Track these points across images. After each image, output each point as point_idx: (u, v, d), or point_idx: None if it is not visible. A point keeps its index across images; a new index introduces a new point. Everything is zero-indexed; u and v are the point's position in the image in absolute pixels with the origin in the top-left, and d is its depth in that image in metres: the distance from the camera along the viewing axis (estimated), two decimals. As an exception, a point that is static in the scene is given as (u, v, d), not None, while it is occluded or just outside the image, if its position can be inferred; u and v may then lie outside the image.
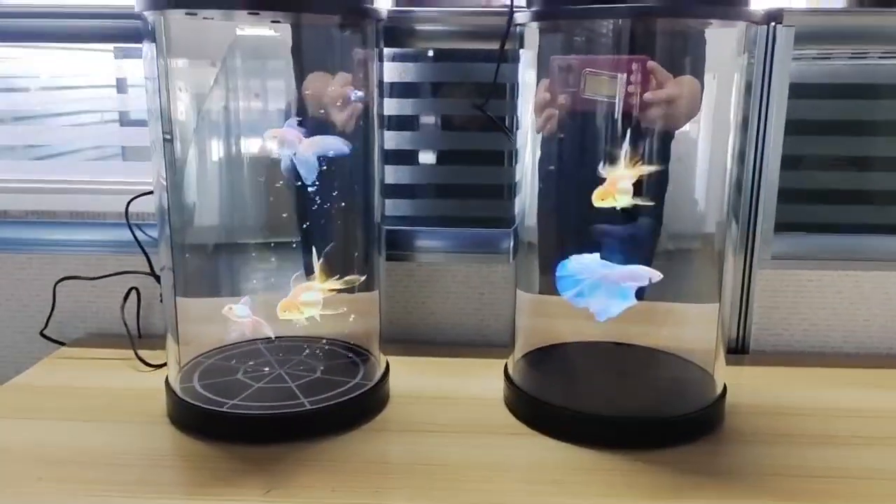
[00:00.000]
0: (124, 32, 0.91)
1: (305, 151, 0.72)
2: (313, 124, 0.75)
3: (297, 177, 0.76)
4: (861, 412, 0.78)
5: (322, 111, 0.76)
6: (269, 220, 0.83)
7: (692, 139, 0.75)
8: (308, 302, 0.72)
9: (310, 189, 0.80)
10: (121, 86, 1.11)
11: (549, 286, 0.73)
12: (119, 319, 0.95)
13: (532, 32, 0.73)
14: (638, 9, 0.62)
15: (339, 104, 0.75)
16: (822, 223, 0.95)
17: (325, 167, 0.75)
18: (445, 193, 0.99)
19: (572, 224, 0.79)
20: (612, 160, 0.68)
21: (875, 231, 0.94)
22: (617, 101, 0.68)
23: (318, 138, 0.73)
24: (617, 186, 0.68)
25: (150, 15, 0.68)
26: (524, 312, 0.82)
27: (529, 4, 0.69)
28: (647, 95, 0.68)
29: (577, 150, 0.76)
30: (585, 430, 0.70)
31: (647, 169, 0.69)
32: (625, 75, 0.68)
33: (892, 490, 0.64)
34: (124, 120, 1.18)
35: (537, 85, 0.74)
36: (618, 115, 0.69)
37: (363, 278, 0.77)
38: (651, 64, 0.68)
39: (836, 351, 0.96)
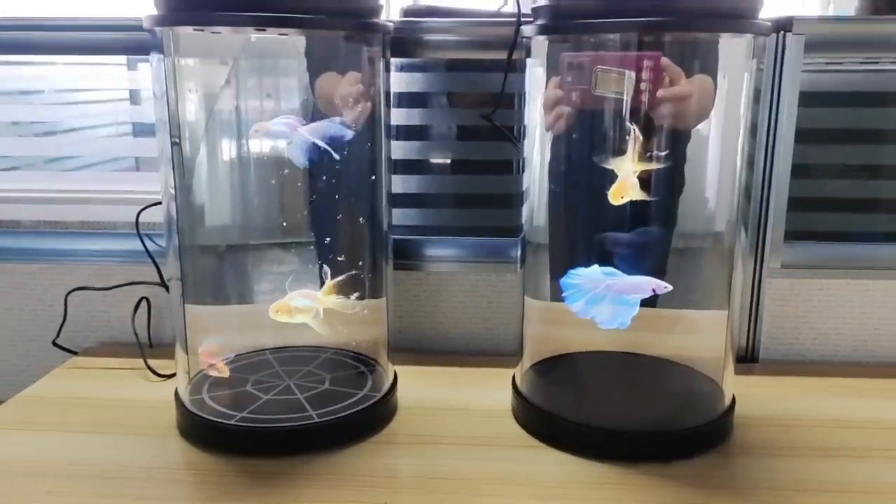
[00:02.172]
0: (139, 44, 0.92)
1: (304, 136, 0.71)
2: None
3: (308, 180, 0.77)
4: (872, 423, 0.78)
5: (333, 109, 0.76)
6: (279, 224, 0.84)
7: (700, 145, 0.75)
8: (301, 308, 0.72)
9: (317, 197, 0.80)
10: (134, 97, 1.12)
11: (558, 294, 0.73)
12: (130, 328, 0.95)
13: (539, 43, 0.73)
14: (645, 23, 0.62)
15: (350, 102, 0.75)
16: (833, 231, 0.95)
17: (331, 176, 0.76)
18: (454, 203, 0.99)
19: (583, 229, 0.79)
20: (620, 153, 0.68)
21: (886, 240, 0.94)
22: (625, 98, 0.67)
23: (317, 123, 0.72)
24: (630, 182, 0.67)
25: (158, 30, 0.69)
26: (532, 321, 0.82)
27: (536, 17, 0.69)
28: (660, 92, 0.67)
29: (587, 151, 0.75)
30: (593, 443, 0.70)
31: (656, 164, 0.68)
32: (635, 72, 0.67)
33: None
34: (137, 131, 1.19)
35: (546, 83, 0.73)
36: (626, 112, 0.68)
37: (364, 311, 0.78)
38: (664, 60, 0.67)
39: (846, 360, 0.95)
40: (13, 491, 0.64)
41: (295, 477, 0.66)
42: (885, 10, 1.48)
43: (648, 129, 0.69)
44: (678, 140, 0.73)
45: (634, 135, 0.66)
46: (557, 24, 0.66)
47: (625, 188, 0.66)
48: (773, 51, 0.85)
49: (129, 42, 0.93)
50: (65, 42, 0.96)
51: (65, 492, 0.64)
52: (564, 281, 0.72)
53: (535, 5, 0.69)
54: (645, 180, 0.67)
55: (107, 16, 0.94)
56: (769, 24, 0.66)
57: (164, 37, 0.69)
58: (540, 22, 0.68)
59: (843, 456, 0.71)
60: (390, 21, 0.73)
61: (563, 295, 0.72)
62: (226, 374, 0.78)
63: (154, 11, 0.66)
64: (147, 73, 1.03)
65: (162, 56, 0.70)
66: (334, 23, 0.66)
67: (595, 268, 0.71)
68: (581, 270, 0.72)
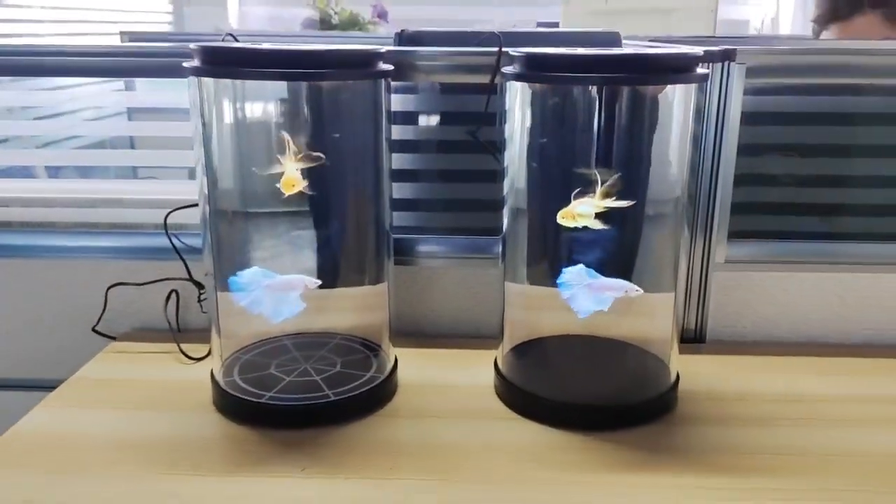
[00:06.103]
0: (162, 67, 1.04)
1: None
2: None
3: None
4: (801, 396, 0.91)
5: None
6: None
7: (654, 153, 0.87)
8: (582, 213, 0.79)
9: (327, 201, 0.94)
10: (130, 113, 1.26)
11: (534, 280, 0.89)
12: (159, 315, 1.08)
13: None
14: (609, 79, 0.77)
15: None
16: (769, 231, 1.08)
17: (342, 184, 0.89)
18: (445, 207, 1.13)
19: (551, 226, 0.91)
20: (584, 189, 0.81)
21: (814, 238, 1.08)
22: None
23: None
24: (576, 210, 0.80)
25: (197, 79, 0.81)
26: (511, 308, 0.94)
27: (511, 62, 0.82)
28: None
29: (557, 158, 0.88)
30: (560, 415, 0.84)
31: (616, 202, 0.79)
32: None
33: (820, 464, 0.77)
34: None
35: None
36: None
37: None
38: None
39: (781, 341, 1.09)
40: (91, 463, 0.77)
41: (317, 446, 0.80)
42: (843, 10, 1.61)
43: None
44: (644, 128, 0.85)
45: (597, 178, 0.79)
46: (529, 74, 0.80)
47: (570, 213, 0.79)
48: (718, 77, 0.98)
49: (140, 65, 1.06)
50: (82, 66, 1.08)
51: (130, 462, 0.77)
52: (559, 278, 0.85)
53: (512, 52, 0.82)
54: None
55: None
56: (708, 72, 0.79)
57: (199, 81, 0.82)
58: (515, 68, 0.81)
59: (774, 424, 0.84)
60: (390, 66, 0.86)
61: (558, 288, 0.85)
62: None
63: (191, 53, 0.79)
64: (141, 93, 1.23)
65: (197, 81, 0.82)
66: (343, 74, 0.80)
67: (580, 267, 0.85)
68: (571, 269, 0.84)
